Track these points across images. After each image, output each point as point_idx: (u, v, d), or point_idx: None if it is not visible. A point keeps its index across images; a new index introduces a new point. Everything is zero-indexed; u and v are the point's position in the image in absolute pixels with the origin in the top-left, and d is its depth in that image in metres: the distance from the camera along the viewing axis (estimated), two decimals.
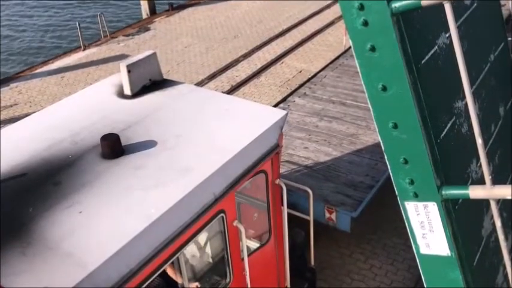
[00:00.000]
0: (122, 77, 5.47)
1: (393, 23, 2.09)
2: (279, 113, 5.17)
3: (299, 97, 10.09)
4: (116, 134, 4.46)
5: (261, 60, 14.47)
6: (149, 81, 5.67)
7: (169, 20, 17.81)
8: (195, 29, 16.84)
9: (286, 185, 5.34)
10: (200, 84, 13.25)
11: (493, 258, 2.56)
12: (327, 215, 7.24)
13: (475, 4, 2.96)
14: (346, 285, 7.34)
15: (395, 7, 2.06)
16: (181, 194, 3.93)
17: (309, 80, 11.11)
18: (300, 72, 13.63)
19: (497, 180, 2.88)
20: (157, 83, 5.73)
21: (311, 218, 6.14)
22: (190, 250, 4.94)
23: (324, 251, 7.88)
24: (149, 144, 4.54)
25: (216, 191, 4.36)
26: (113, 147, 4.35)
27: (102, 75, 14.02)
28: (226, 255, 4.79)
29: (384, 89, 2.24)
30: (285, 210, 5.40)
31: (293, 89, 11.35)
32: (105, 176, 4.13)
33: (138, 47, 15.67)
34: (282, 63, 14.28)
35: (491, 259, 2.76)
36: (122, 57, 15.02)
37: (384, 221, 8.05)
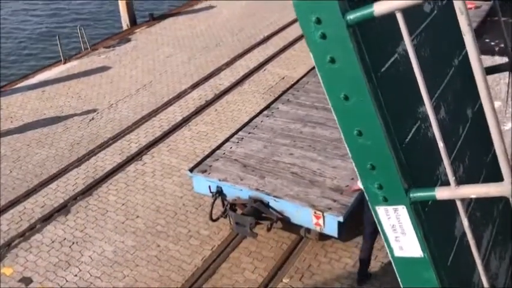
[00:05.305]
0: None
1: (350, 34, 2.14)
2: None
3: (283, 104, 10.13)
4: None
5: (243, 68, 14.50)
6: None
7: (150, 30, 17.77)
8: (177, 39, 16.82)
9: None
10: (184, 93, 13.24)
11: (468, 257, 2.61)
12: (314, 220, 7.26)
13: (436, 11, 3.03)
14: None
15: (350, 19, 2.11)
16: None
17: (291, 86, 11.15)
18: (283, 78, 13.68)
19: (469, 181, 2.94)
20: None
21: None
22: None
23: (312, 257, 7.89)
24: None
25: None
26: None
27: (83, 88, 13.91)
28: None
29: (346, 98, 2.30)
30: None
31: (276, 95, 11.38)
32: None
33: (119, 59, 15.59)
34: (264, 70, 14.33)
35: (466, 258, 2.81)
36: (104, 69, 14.94)
37: None
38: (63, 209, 9.31)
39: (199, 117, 12.10)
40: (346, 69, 2.22)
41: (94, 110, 12.72)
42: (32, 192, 9.77)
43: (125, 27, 18.66)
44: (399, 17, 2.04)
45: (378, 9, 2.05)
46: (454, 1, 1.89)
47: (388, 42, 2.51)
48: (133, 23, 18.62)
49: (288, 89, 11.14)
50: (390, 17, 2.07)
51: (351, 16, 2.10)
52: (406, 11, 2.04)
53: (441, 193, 2.33)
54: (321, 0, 2.13)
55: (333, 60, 2.23)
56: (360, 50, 2.20)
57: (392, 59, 2.51)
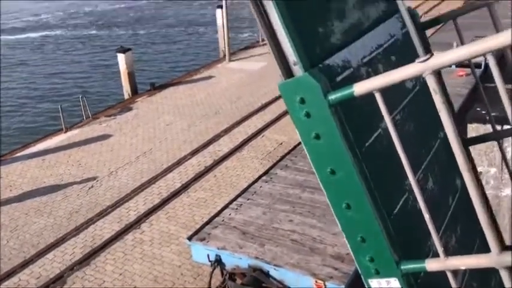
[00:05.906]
0: None
1: (332, 113, 2.27)
2: None
3: (281, 169, 10.19)
4: None
5: (242, 135, 14.73)
6: None
7: (151, 99, 18.20)
8: (177, 107, 17.20)
9: None
10: (183, 160, 13.36)
11: None
12: None
13: (418, 86, 3.16)
14: None
15: (331, 99, 2.24)
16: None
17: (289, 152, 11.28)
18: (281, 144, 13.86)
19: (462, 251, 2.92)
20: None
21: None
22: None
23: None
24: None
25: None
26: None
27: (84, 156, 14.04)
28: None
29: (333, 172, 2.40)
30: None
31: (275, 161, 11.48)
32: None
33: (120, 127, 15.85)
34: (262, 136, 14.54)
35: None
36: (104, 137, 15.15)
37: None
38: (59, 280, 9.11)
39: (198, 184, 12.13)
40: (330, 145, 2.32)
41: (94, 178, 12.76)
42: (28, 263, 9.61)
43: (126, 96, 19.14)
44: (378, 97, 2.15)
45: (357, 90, 2.17)
46: (428, 82, 1.99)
47: (371, 118, 2.60)
48: (135, 92, 19.13)
49: (286, 154, 11.26)
50: (371, 95, 2.18)
51: (333, 96, 2.22)
52: (386, 90, 2.15)
53: (431, 265, 2.33)
54: (304, 81, 2.25)
55: (317, 137, 2.33)
56: (343, 127, 2.30)
57: (375, 134, 2.61)
